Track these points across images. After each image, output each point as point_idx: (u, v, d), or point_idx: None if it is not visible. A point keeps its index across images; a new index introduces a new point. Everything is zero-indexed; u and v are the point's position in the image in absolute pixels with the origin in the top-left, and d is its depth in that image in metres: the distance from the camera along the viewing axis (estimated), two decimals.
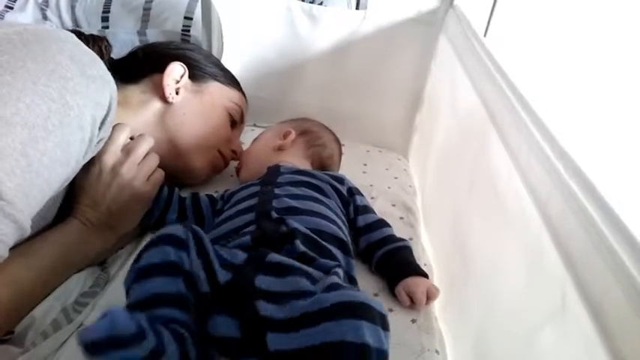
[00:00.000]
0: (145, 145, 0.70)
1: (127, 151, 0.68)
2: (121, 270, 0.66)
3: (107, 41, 0.80)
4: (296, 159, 0.81)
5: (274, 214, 0.61)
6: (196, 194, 0.76)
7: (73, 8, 1.38)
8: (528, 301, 0.48)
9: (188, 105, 0.78)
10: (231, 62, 1.08)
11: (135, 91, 0.77)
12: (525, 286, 0.49)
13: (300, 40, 1.08)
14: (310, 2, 1.21)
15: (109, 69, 0.77)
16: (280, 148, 0.82)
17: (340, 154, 0.91)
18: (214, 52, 1.10)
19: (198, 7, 1.28)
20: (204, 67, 0.83)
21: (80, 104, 0.53)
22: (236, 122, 0.85)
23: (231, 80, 0.87)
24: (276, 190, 0.67)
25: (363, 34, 1.05)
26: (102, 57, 0.77)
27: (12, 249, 0.56)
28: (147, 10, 1.35)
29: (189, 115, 0.78)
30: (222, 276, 0.49)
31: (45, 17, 1.36)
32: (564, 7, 1.14)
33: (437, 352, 0.59)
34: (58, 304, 0.58)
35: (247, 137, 1.06)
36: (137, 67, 0.80)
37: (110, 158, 0.66)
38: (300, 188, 0.68)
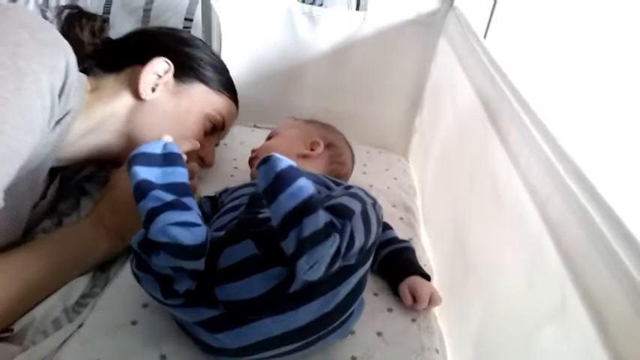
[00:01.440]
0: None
1: None
2: (120, 270, 0.66)
3: (104, 20, 0.77)
4: (315, 170, 0.80)
5: (261, 212, 0.61)
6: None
7: None
8: (528, 301, 0.48)
9: (161, 106, 0.74)
10: (231, 64, 1.08)
11: (110, 81, 0.73)
12: (525, 286, 0.49)
13: (300, 42, 1.08)
14: (310, 3, 1.21)
15: (100, 50, 0.74)
16: (305, 157, 0.81)
17: (353, 168, 0.90)
18: None
19: (198, 8, 1.29)
20: (196, 67, 0.78)
21: (35, 70, 0.53)
22: (216, 129, 0.82)
23: (223, 86, 0.82)
24: None
25: (363, 35, 1.05)
26: (94, 36, 0.75)
27: (20, 244, 0.56)
28: (147, 11, 1.35)
29: (158, 116, 0.74)
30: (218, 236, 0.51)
31: (45, 18, 1.36)
32: (564, 8, 1.15)
33: (437, 351, 0.59)
34: (60, 304, 0.58)
35: (247, 137, 1.07)
36: (123, 55, 0.76)
37: None
38: None
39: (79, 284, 0.62)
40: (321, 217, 0.41)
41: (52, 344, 0.54)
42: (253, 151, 0.87)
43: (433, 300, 0.63)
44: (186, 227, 0.43)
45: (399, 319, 0.62)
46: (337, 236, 0.43)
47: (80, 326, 0.57)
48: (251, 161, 0.86)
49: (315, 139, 0.84)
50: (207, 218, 0.72)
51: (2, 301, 0.53)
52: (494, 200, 0.60)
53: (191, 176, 0.70)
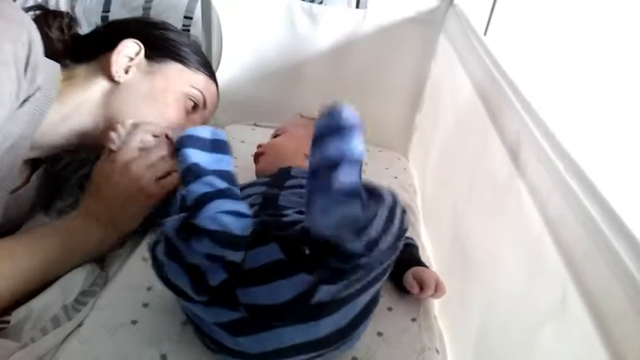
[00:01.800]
0: (162, 151, 0.70)
1: (143, 150, 0.68)
2: (120, 270, 0.66)
3: (71, 17, 0.78)
4: None
5: (285, 215, 0.61)
6: None
7: (72, 8, 1.38)
8: (528, 300, 0.48)
9: (136, 86, 0.73)
10: (231, 62, 1.08)
11: (82, 69, 0.73)
12: (525, 286, 0.49)
13: (299, 40, 1.07)
14: (310, 1, 1.21)
15: (70, 45, 0.75)
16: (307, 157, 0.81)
17: None
18: (214, 52, 1.10)
19: (198, 6, 1.28)
20: (169, 47, 0.78)
21: None
22: (197, 107, 0.80)
23: (200, 65, 0.80)
24: (283, 193, 0.67)
25: (363, 33, 1.05)
26: (64, 35, 0.75)
27: (16, 235, 0.57)
28: (147, 9, 1.35)
29: (134, 97, 0.73)
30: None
31: None
32: (564, 5, 1.14)
33: (437, 351, 0.59)
34: (58, 301, 0.59)
35: (247, 136, 1.07)
36: (93, 45, 0.76)
37: (125, 155, 0.67)
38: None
39: (78, 280, 0.62)
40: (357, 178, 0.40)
41: (52, 342, 0.54)
42: (259, 146, 0.86)
43: (439, 287, 0.63)
44: (236, 217, 0.42)
45: (399, 318, 0.62)
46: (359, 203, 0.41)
47: (80, 325, 0.57)
48: (256, 157, 0.84)
49: None
50: None
51: None
52: (494, 198, 0.60)
53: None
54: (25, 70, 0.57)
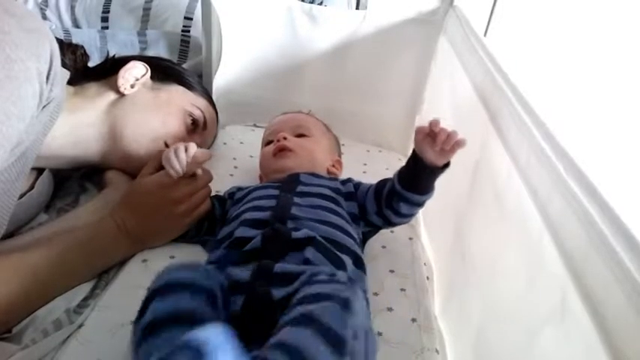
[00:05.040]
0: (204, 182, 0.70)
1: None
2: (120, 271, 0.66)
3: (84, 49, 0.82)
4: None
5: (290, 223, 0.62)
6: None
7: (72, 8, 1.38)
8: (528, 301, 0.48)
9: (140, 97, 0.78)
10: (231, 62, 1.08)
11: (93, 85, 0.77)
12: (525, 287, 0.49)
13: (300, 40, 1.08)
14: (310, 2, 1.21)
15: (81, 74, 0.78)
16: (328, 172, 0.82)
17: None
18: (214, 52, 1.10)
19: (198, 7, 1.28)
20: (175, 74, 0.83)
21: (23, 57, 0.53)
22: (197, 125, 0.82)
23: (203, 92, 0.86)
24: (296, 199, 0.67)
25: (363, 34, 1.05)
26: (76, 63, 0.79)
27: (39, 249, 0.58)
28: (147, 10, 1.35)
29: (137, 107, 0.77)
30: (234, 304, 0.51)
31: (44, 17, 1.36)
32: (564, 6, 1.14)
33: (437, 351, 0.59)
34: (61, 305, 0.59)
35: (247, 137, 1.07)
36: (103, 69, 0.81)
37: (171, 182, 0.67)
38: (319, 200, 0.69)
39: (83, 287, 0.63)
40: None
41: (52, 343, 0.54)
42: (284, 138, 0.79)
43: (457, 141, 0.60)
44: None
45: (399, 318, 0.62)
46: None
47: (80, 326, 0.57)
48: (281, 150, 0.78)
49: (338, 159, 0.86)
50: (216, 220, 0.72)
51: (14, 301, 0.54)
52: (494, 199, 0.60)
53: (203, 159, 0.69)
54: (46, 83, 0.58)
